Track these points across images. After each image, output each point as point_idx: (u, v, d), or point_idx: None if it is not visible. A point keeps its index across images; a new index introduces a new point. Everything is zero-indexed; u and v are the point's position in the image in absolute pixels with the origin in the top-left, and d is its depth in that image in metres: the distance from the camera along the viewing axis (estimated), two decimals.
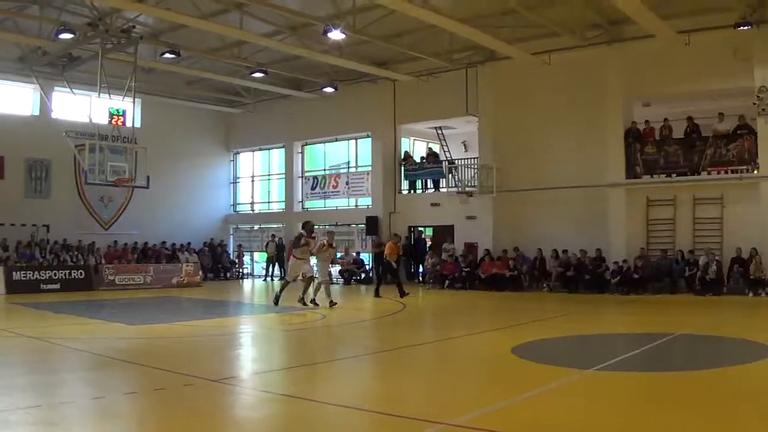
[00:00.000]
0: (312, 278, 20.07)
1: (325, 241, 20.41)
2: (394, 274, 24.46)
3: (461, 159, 31.01)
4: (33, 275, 26.85)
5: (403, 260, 30.05)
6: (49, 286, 26.55)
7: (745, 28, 22.95)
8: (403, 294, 22.64)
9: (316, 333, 15.76)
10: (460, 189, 28.76)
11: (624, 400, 8.33)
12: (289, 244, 27.38)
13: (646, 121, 26.33)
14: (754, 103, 23.76)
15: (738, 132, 24.66)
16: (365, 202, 33.23)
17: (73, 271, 27.92)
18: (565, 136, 27.01)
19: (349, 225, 33.51)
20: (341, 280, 31.35)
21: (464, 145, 33.26)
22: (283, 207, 36.53)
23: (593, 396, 8.52)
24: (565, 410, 7.71)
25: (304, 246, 19.85)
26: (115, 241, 31.99)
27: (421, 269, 30.91)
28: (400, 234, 30.10)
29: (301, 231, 20.53)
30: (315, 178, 35.70)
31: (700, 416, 7.40)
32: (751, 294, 22.55)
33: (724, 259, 24.09)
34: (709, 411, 7.64)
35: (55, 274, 27.27)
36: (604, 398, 8.39)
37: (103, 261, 30.22)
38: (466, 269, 27.66)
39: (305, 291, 19.99)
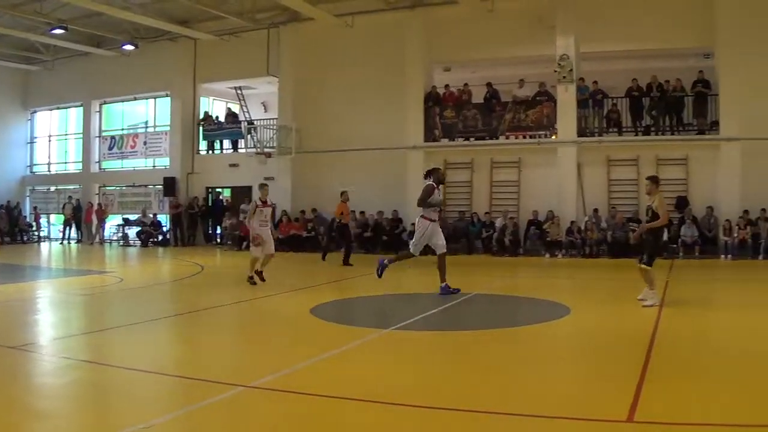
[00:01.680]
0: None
1: (257, 201, 15.02)
2: (348, 238, 20.86)
3: (261, 120, 28.96)
4: None
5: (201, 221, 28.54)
6: None
7: None
8: (347, 262, 19.60)
9: (114, 297, 14.29)
10: (258, 150, 26.70)
11: (419, 359, 8.10)
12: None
13: (446, 86, 25.02)
14: (555, 71, 23.11)
15: (537, 98, 23.84)
16: (163, 162, 30.36)
17: None
18: (366, 99, 25.47)
19: (146, 186, 30.80)
20: (138, 242, 29.08)
21: (264, 105, 31.28)
22: (80, 168, 33.48)
23: (390, 355, 8.22)
24: (362, 370, 7.45)
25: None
26: None
27: (218, 231, 28.98)
28: (198, 195, 28.41)
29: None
30: (113, 138, 32.27)
31: (487, 371, 7.39)
32: (548, 255, 22.15)
33: (521, 221, 23.45)
34: (495, 366, 7.66)
35: None
36: (400, 357, 8.12)
37: None
38: None
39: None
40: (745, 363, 7.76)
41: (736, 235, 21.53)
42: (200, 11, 26.07)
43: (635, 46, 23.72)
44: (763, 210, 21.72)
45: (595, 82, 23.88)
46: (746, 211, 21.70)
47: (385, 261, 13.75)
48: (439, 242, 13.29)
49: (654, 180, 11.79)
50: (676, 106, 23.36)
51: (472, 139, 24.53)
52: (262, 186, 15.11)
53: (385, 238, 24.18)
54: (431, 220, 13.25)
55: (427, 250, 13.76)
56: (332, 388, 6.63)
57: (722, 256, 21.46)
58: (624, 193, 23.47)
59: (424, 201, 13.13)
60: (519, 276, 18.45)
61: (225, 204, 29.27)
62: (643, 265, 11.32)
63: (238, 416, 5.85)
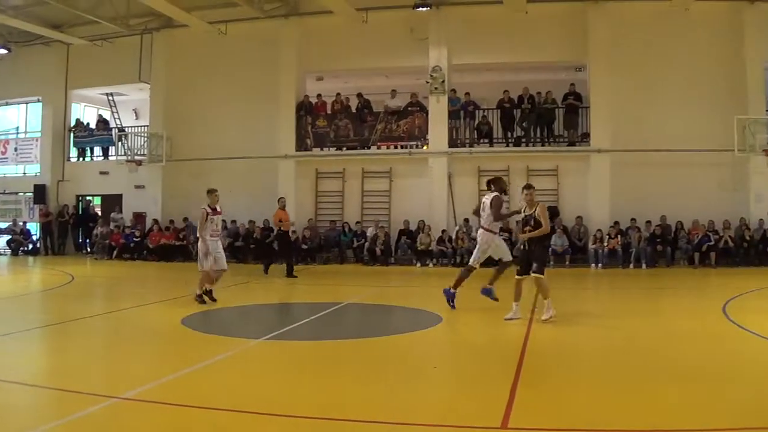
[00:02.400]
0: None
1: (207, 208, 12.88)
2: (289, 247, 19.46)
3: (132, 127, 27.73)
4: None
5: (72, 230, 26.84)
6: None
7: (424, 9, 21.84)
8: (291, 274, 18.12)
9: None
10: (129, 158, 25.34)
11: (291, 369, 7.96)
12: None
13: (319, 95, 24.12)
14: (427, 82, 22.62)
15: (409, 109, 23.18)
16: (33, 169, 28.77)
17: None
18: (239, 107, 24.48)
19: (16, 193, 28.97)
20: (8, 251, 27.37)
21: (135, 112, 29.91)
22: None
23: (262, 365, 8.12)
24: (235, 381, 7.25)
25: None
26: None
27: (88, 240, 27.28)
28: (68, 203, 26.75)
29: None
30: None
31: (357, 381, 7.27)
32: (418, 264, 21.52)
33: (392, 230, 22.69)
34: (365, 375, 7.54)
35: None
36: (272, 367, 8.04)
37: None
38: (136, 239, 24.61)
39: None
40: (612, 369, 7.92)
41: (606, 244, 21.20)
42: (74, 16, 24.25)
43: (508, 58, 23.29)
44: (633, 219, 21.41)
45: (467, 94, 23.11)
46: (617, 222, 21.71)
47: (452, 290, 12.32)
48: (506, 255, 12.37)
49: (533, 189, 11.40)
50: (546, 118, 22.79)
51: (343, 148, 23.46)
52: (211, 191, 13.16)
53: (254, 247, 23.11)
54: (494, 233, 12.28)
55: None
56: (205, 399, 6.46)
57: (592, 265, 21.06)
58: None
59: (498, 214, 12.09)
60: (390, 285, 18.04)
61: (93, 213, 27.90)
62: (536, 275, 10.78)
63: (112, 428, 5.71)
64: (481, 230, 12.42)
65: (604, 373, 7.78)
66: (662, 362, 8.31)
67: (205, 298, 12.77)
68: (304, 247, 22.36)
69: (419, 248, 21.94)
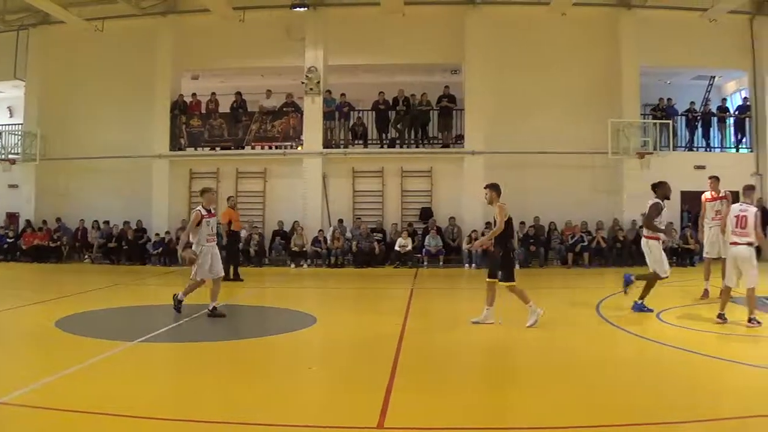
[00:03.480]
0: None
1: (201, 210, 11.51)
2: (236, 248, 18.28)
3: (5, 125, 26.52)
4: None
5: None
6: None
7: (301, 9, 21.67)
8: (237, 276, 17.18)
9: None
10: (2, 156, 24.40)
11: (168, 371, 8.03)
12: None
13: (194, 94, 23.72)
14: (303, 82, 22.29)
15: (284, 109, 22.88)
16: None
17: None
18: (114, 105, 23.81)
19: None
20: None
21: (10, 110, 28.86)
22: None
23: (137, 368, 7.89)
24: (111, 384, 7.04)
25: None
26: None
27: None
28: None
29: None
30: None
31: (234, 382, 7.26)
32: (293, 265, 21.20)
33: (266, 231, 22.38)
34: (242, 377, 7.57)
35: None
36: (149, 370, 7.90)
37: None
38: (9, 240, 23.63)
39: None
40: (487, 368, 8.19)
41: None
42: None
43: (384, 60, 23.12)
44: None
45: (343, 95, 22.88)
46: (489, 223, 21.51)
47: (632, 277, 12.08)
48: (658, 267, 11.95)
49: (494, 188, 10.89)
50: (421, 120, 22.77)
51: (218, 148, 23.15)
52: (207, 191, 11.83)
53: (128, 249, 22.59)
54: (658, 239, 11.93)
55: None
56: (82, 402, 6.25)
57: (466, 265, 21.01)
58: (369, 204, 22.63)
59: (651, 222, 11.76)
60: (265, 286, 17.85)
61: None
62: (505, 283, 10.50)
63: None
64: (644, 239, 12.15)
65: (478, 372, 8.06)
66: (536, 361, 8.56)
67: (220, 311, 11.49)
68: (178, 248, 21.64)
69: (293, 249, 21.51)
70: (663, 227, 12.10)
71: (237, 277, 17.02)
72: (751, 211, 10.53)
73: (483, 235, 20.90)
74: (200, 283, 11.51)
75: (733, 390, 7.00)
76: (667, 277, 11.94)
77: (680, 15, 23.22)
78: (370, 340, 9.76)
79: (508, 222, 10.60)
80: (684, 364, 8.25)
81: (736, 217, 10.64)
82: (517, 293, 10.40)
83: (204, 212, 11.35)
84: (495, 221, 10.77)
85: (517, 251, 11.71)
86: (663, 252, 11.99)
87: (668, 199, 12.42)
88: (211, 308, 11.38)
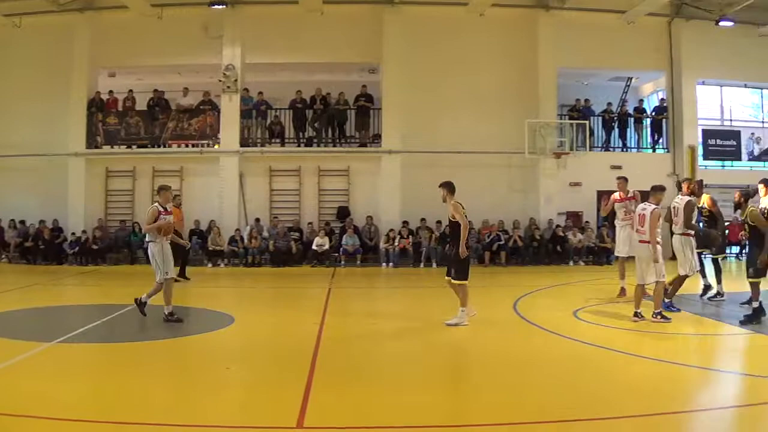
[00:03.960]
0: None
1: (156, 206, 11.17)
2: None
3: None
4: None
5: None
6: None
7: (219, 7, 21.52)
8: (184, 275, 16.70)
9: None
10: None
11: (86, 372, 7.84)
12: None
13: (111, 92, 23.39)
14: (221, 80, 22.13)
15: (201, 107, 22.72)
16: None
17: None
18: (30, 103, 23.16)
19: None
20: None
21: None
22: None
23: (54, 369, 7.75)
24: (27, 385, 6.93)
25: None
26: None
27: None
28: None
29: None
30: None
31: (152, 383, 7.20)
32: (210, 265, 21.09)
33: (183, 231, 22.30)
34: (160, 377, 7.51)
35: None
36: (67, 371, 7.73)
37: None
38: None
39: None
40: (405, 367, 8.15)
41: (396, 243, 21.14)
42: None
43: (302, 58, 23.07)
44: (423, 219, 21.52)
45: (260, 93, 22.76)
46: (406, 222, 21.61)
47: (666, 300, 11.69)
48: (685, 268, 12.16)
49: (447, 186, 10.95)
50: (339, 119, 22.91)
51: (134, 146, 23.00)
52: (164, 189, 11.69)
53: (45, 248, 22.28)
54: (689, 235, 12.05)
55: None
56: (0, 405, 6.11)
57: (384, 264, 21.08)
58: (286, 202, 22.63)
59: (690, 221, 11.96)
60: (183, 285, 17.16)
61: None
62: (455, 281, 10.57)
63: None
64: (678, 236, 12.16)
65: (395, 370, 8.07)
66: (454, 359, 8.80)
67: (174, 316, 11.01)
68: (95, 247, 21.53)
69: (210, 248, 21.33)
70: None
71: (183, 276, 16.58)
72: (649, 210, 10.83)
73: (399, 234, 21.02)
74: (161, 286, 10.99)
75: (644, 386, 7.17)
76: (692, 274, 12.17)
77: (599, 17, 23.40)
78: (288, 340, 9.79)
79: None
80: (599, 361, 8.52)
81: (638, 215, 11.05)
82: (462, 293, 10.48)
83: (161, 209, 11.03)
84: (450, 220, 10.84)
85: (472, 249, 11.90)
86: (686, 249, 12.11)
87: (696, 195, 12.91)
88: (167, 313, 10.95)
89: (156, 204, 11.20)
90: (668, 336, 9.99)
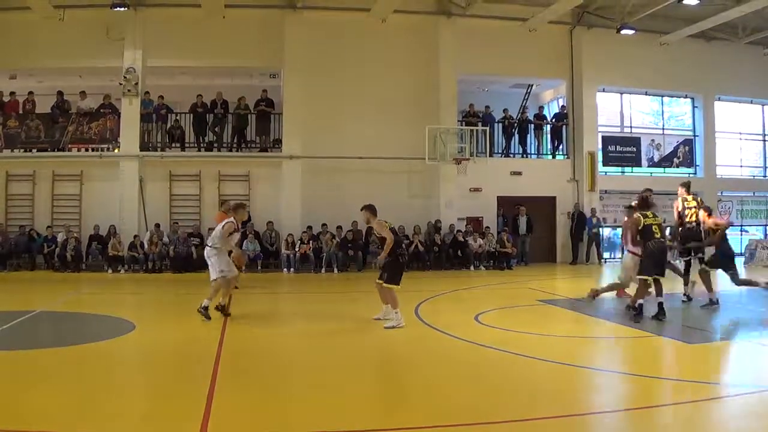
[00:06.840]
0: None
1: (233, 220, 11.98)
2: None
3: None
4: None
5: None
6: None
7: (121, 9, 21.04)
8: None
9: None
10: None
11: None
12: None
13: (12, 93, 22.86)
14: (121, 83, 21.73)
15: (101, 111, 22.33)
16: None
17: None
18: None
19: None
20: None
21: None
22: None
23: None
24: None
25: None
26: None
27: None
28: None
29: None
30: None
31: (52, 391, 6.86)
32: (110, 271, 20.63)
33: (83, 236, 21.70)
34: (60, 386, 7.16)
35: None
36: None
37: None
38: None
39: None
40: (309, 372, 8.08)
41: (297, 249, 21.10)
42: None
43: (204, 62, 22.80)
44: (324, 225, 21.46)
45: (161, 97, 22.49)
46: (310, 227, 21.48)
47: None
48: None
49: (369, 209, 11.40)
50: (239, 124, 22.75)
51: (34, 150, 22.61)
52: (241, 206, 12.71)
53: None
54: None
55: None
56: None
57: (285, 269, 20.97)
58: (186, 208, 22.36)
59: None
60: (82, 292, 17.19)
61: None
62: (384, 284, 10.86)
63: None
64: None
65: (298, 374, 8.01)
66: (355, 362, 8.74)
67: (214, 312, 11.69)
68: None
69: (110, 254, 21.02)
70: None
71: None
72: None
73: (300, 239, 20.88)
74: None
75: (546, 387, 7.34)
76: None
77: (500, 24, 23.50)
78: (189, 346, 9.64)
79: (394, 231, 11.23)
80: (499, 363, 8.66)
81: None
82: (391, 297, 10.77)
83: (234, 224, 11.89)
84: (378, 237, 11.48)
85: (405, 256, 12.05)
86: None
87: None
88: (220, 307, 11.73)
89: (232, 219, 11.92)
90: (569, 339, 10.34)
